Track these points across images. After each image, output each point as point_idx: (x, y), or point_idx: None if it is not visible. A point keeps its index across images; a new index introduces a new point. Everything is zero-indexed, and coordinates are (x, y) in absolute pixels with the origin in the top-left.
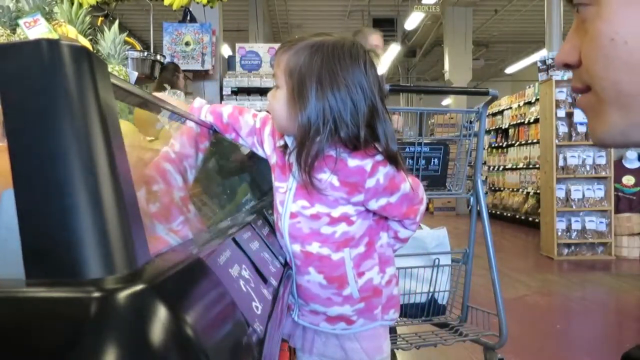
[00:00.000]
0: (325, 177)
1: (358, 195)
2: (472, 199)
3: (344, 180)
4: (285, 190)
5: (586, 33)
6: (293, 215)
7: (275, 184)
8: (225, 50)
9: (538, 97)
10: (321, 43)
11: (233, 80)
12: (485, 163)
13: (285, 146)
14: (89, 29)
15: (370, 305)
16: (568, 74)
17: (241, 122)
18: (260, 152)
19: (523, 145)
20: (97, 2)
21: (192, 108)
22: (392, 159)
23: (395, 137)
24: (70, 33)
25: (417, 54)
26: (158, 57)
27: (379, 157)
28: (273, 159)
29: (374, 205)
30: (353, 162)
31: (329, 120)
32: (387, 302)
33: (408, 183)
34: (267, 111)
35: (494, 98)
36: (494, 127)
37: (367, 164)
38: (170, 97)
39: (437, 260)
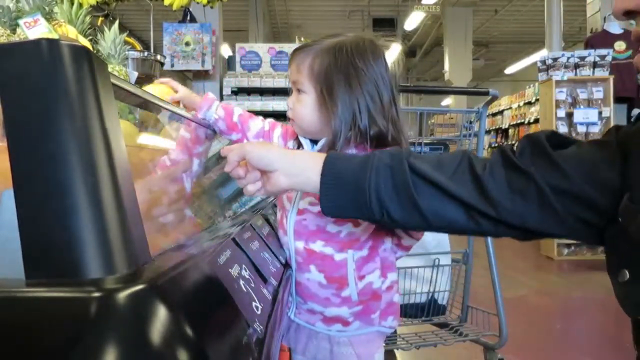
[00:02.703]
0: None
1: None
2: None
3: None
4: None
5: None
6: (300, 212)
7: None
8: (225, 50)
9: (538, 97)
10: (342, 43)
11: (233, 80)
12: None
13: (298, 148)
14: (89, 29)
15: (368, 308)
16: (568, 74)
17: (250, 123)
18: None
19: None
20: (97, 2)
21: (207, 97)
22: None
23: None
24: (70, 33)
25: (417, 54)
26: (158, 57)
27: None
28: None
29: None
30: None
31: (362, 117)
32: (386, 307)
33: None
34: (288, 117)
35: (494, 98)
36: (494, 127)
37: None
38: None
39: (437, 260)
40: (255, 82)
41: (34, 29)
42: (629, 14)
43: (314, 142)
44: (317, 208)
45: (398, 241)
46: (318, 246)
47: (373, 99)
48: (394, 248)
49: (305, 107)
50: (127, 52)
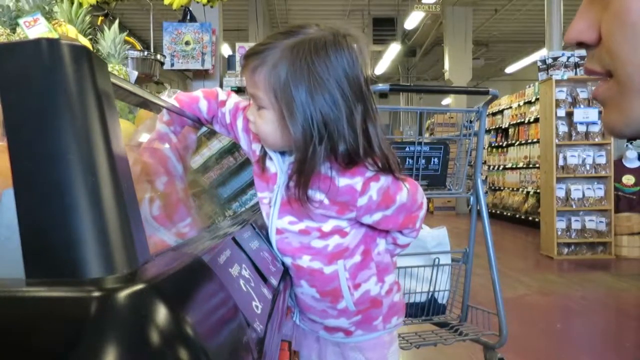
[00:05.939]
0: (315, 195)
1: (350, 214)
2: (472, 198)
3: (333, 199)
4: (269, 202)
5: (606, 8)
6: (279, 232)
7: (258, 193)
8: (225, 50)
9: (538, 96)
10: (299, 46)
11: (233, 80)
12: (485, 162)
13: (264, 154)
14: (89, 28)
15: (369, 317)
16: (568, 74)
17: (200, 109)
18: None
19: (523, 144)
20: (97, 2)
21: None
22: (385, 169)
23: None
24: (70, 32)
25: (417, 54)
26: (158, 56)
27: (369, 174)
28: (252, 159)
29: (368, 220)
30: (343, 180)
31: (330, 132)
32: (389, 310)
33: (405, 191)
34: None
35: (494, 97)
36: (494, 127)
37: (357, 182)
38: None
39: (437, 260)
40: None
41: (34, 29)
42: (581, 45)
43: (283, 152)
44: (298, 227)
45: (394, 241)
46: (305, 262)
47: (340, 109)
48: (390, 248)
49: (267, 124)
50: (127, 52)
